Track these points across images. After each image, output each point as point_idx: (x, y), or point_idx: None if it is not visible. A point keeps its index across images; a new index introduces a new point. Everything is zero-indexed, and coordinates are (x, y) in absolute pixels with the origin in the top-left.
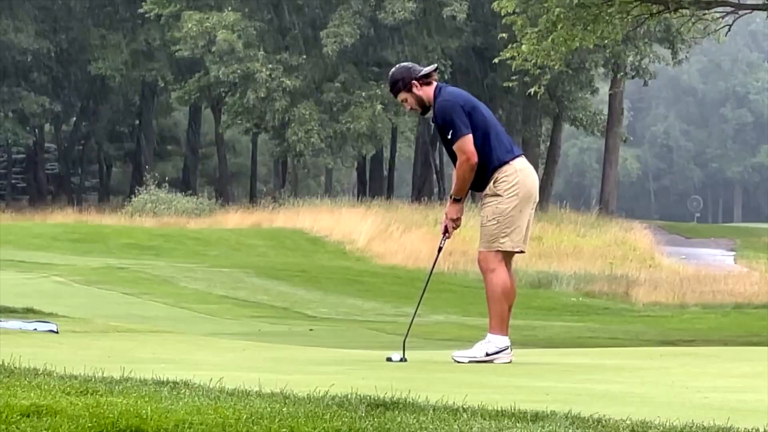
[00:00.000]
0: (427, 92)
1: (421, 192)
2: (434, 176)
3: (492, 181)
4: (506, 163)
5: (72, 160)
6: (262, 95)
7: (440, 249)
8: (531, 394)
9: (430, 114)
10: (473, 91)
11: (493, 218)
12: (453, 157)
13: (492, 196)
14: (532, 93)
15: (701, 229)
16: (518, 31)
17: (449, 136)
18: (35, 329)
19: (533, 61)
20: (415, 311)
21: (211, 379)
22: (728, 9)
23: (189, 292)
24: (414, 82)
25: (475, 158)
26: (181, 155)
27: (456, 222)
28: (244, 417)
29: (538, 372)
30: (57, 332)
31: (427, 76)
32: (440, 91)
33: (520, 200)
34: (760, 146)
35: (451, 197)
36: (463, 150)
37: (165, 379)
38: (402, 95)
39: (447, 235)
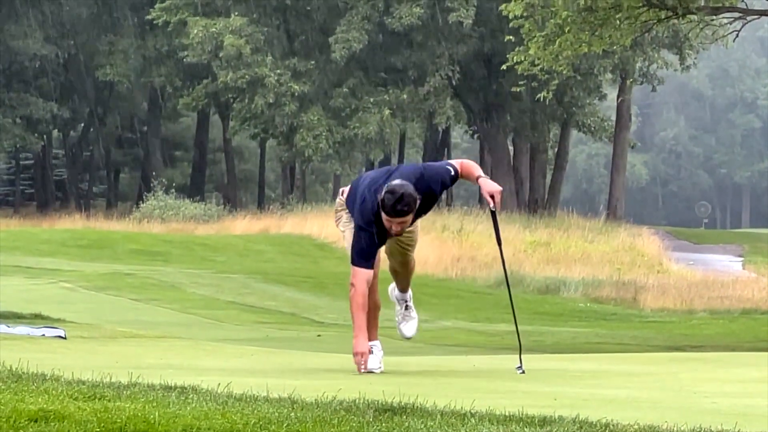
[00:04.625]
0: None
1: None
2: None
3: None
4: None
5: (80, 166)
6: (270, 101)
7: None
8: (539, 399)
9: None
10: (481, 97)
11: (417, 226)
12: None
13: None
14: (541, 98)
15: (709, 235)
16: (525, 34)
17: (449, 176)
18: (43, 335)
19: (540, 66)
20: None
21: (219, 385)
22: (736, 15)
23: (197, 298)
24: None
25: None
26: (189, 161)
27: None
28: (252, 422)
29: (545, 377)
30: (65, 338)
31: None
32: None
33: None
34: None
35: (483, 176)
36: (467, 160)
37: (173, 385)
38: (402, 220)
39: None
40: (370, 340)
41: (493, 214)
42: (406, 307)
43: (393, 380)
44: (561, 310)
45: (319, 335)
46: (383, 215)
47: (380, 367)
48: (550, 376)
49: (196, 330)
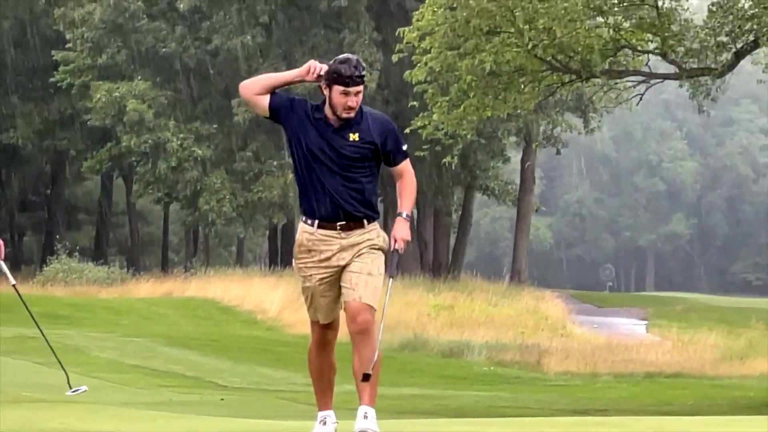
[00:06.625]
0: None
1: None
2: None
3: (377, 230)
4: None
5: None
6: (174, 165)
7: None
8: None
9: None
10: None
11: (380, 274)
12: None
13: (379, 248)
14: (446, 164)
15: (613, 298)
16: (429, 99)
17: (404, 147)
18: None
19: (444, 130)
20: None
21: None
22: (640, 78)
23: (101, 362)
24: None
25: None
26: (93, 224)
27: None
28: None
29: None
30: None
31: None
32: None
33: None
34: (673, 215)
35: (404, 215)
36: (411, 167)
37: None
38: (360, 89)
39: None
40: (324, 408)
41: (396, 252)
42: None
43: None
44: (465, 374)
45: (222, 399)
46: (338, 89)
47: None
48: None
49: (99, 394)
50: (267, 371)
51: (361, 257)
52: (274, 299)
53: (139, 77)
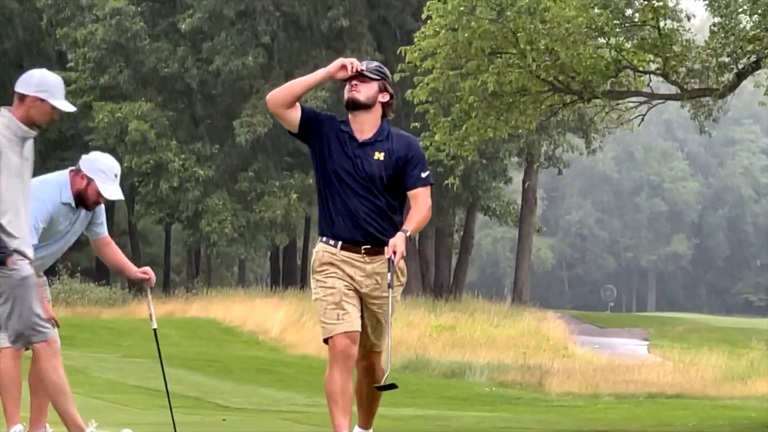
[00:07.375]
0: (382, 109)
1: None
2: None
3: (401, 261)
4: None
5: None
6: (175, 185)
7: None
8: None
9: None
10: None
11: (393, 315)
12: (375, 195)
13: (398, 285)
14: (449, 185)
15: (615, 319)
16: (431, 120)
17: (423, 174)
18: None
19: (446, 151)
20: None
21: None
22: (642, 99)
23: (102, 382)
24: (388, 92)
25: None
26: None
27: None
28: None
29: None
30: None
31: None
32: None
33: None
34: (674, 235)
35: (407, 233)
36: (429, 198)
37: None
38: (374, 85)
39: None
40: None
41: (391, 262)
42: None
43: None
44: (466, 395)
45: (224, 419)
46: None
47: None
48: None
49: (101, 415)
50: (269, 392)
51: (382, 302)
52: (276, 320)
53: (142, 98)
